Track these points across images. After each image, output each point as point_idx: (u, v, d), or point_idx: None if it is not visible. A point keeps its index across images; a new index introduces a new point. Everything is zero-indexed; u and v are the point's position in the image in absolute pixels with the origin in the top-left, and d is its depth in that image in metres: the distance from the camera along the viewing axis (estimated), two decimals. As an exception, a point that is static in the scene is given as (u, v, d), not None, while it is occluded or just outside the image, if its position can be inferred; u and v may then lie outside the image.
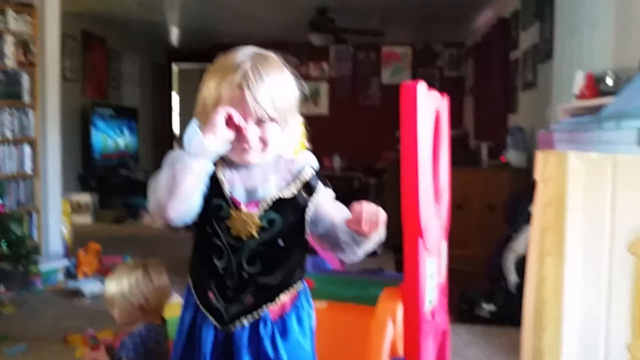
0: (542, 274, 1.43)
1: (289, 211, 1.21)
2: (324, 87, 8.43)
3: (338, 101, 8.36)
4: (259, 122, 1.17)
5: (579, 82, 3.04)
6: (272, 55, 1.22)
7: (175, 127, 9.58)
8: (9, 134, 4.18)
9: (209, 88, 1.18)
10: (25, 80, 4.28)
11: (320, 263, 2.38)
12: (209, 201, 1.20)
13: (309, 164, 1.27)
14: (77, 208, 6.61)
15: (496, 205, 4.47)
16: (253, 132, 1.16)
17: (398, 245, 1.67)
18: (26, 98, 4.29)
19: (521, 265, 3.03)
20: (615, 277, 1.44)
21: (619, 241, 1.42)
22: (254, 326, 1.21)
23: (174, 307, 2.87)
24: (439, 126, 1.96)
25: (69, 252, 4.58)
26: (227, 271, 1.21)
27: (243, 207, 1.19)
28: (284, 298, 1.24)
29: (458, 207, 4.55)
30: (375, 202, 1.17)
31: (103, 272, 4.28)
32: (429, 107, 1.73)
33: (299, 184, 1.22)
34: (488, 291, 3.38)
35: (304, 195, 1.22)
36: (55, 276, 4.09)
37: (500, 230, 3.59)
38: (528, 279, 1.51)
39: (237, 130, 1.15)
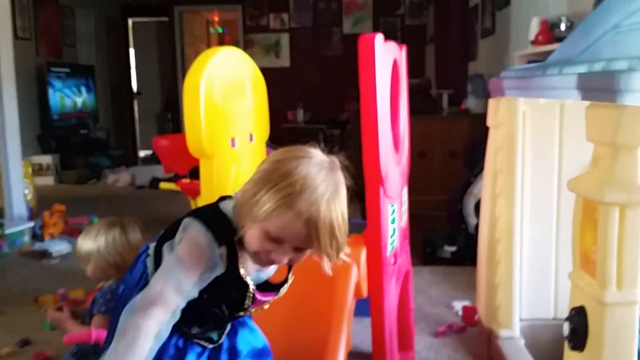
0: (495, 214, 1.51)
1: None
2: (285, 39, 8.35)
3: (300, 52, 8.29)
4: (296, 250, 1.05)
5: (534, 28, 3.10)
6: (342, 181, 1.10)
7: (133, 83, 9.40)
8: (-38, 97, 4.07)
9: (271, 195, 1.01)
10: (-25, 40, 4.15)
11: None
12: (223, 289, 1.11)
13: None
14: (38, 170, 6.52)
15: (457, 151, 4.59)
16: (287, 256, 1.07)
17: (362, 193, 1.73)
18: (-22, 59, 4.17)
19: (480, 207, 3.15)
20: (563, 215, 1.54)
21: (566, 180, 1.51)
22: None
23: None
24: (398, 76, 2.00)
25: (34, 214, 4.55)
26: (227, 316, 1.20)
27: (265, 305, 1.20)
28: None
29: (420, 155, 4.67)
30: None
31: (69, 233, 4.29)
32: (387, 58, 1.77)
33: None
34: (449, 234, 3.51)
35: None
36: (21, 239, 4.07)
37: (461, 175, 3.71)
38: (482, 219, 1.59)
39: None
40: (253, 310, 1.21)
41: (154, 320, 1.00)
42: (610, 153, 0.91)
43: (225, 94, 1.92)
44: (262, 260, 1.08)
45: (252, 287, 1.11)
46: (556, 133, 1.49)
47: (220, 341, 1.22)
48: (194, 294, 1.06)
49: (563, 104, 1.50)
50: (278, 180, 1.01)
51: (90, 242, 2.02)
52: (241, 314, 1.21)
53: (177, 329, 1.12)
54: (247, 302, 1.14)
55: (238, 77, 2.05)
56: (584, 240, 0.97)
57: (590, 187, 0.93)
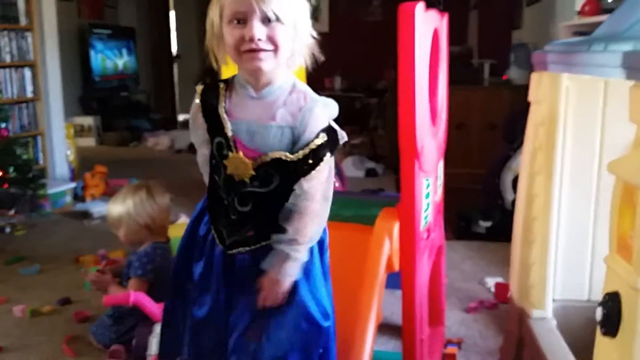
0: (532, 192, 1.48)
1: (288, 172, 1.19)
2: (324, 3, 8.23)
3: (339, 17, 8.17)
4: (265, 22, 1.13)
5: (581, -2, 2.99)
6: None
7: (174, 46, 9.44)
8: (7, 58, 4.16)
9: (213, 6, 1.18)
10: (20, 2, 4.20)
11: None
12: (212, 137, 1.23)
13: (325, 111, 1.22)
14: (80, 131, 6.65)
15: (497, 123, 4.49)
16: (259, 29, 1.13)
17: (398, 165, 1.71)
18: (23, 20, 4.24)
19: (517, 183, 3.09)
20: (602, 195, 1.50)
21: (608, 160, 1.46)
22: (255, 253, 1.25)
23: (180, 226, 2.97)
24: (438, 47, 1.96)
25: (75, 175, 4.66)
26: (229, 204, 1.24)
27: (241, 153, 1.19)
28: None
29: (458, 127, 4.59)
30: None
31: (110, 194, 4.37)
32: (427, 28, 1.72)
33: (307, 151, 1.18)
34: (485, 209, 3.47)
35: (309, 163, 1.18)
36: (63, 199, 4.19)
37: (500, 148, 3.64)
38: (519, 197, 1.56)
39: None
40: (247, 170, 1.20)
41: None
42: (655, 136, 0.88)
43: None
44: (245, 49, 1.13)
45: (229, 128, 1.19)
46: (599, 111, 1.44)
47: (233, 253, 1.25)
48: (199, 144, 1.28)
49: (608, 81, 1.44)
50: None
51: (120, 206, 2.07)
52: (228, 168, 1.21)
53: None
54: (229, 147, 1.19)
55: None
56: (622, 225, 0.94)
57: (630, 170, 0.90)
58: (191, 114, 1.28)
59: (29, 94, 4.33)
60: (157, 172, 5.26)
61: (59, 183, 4.32)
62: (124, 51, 7.76)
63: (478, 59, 5.73)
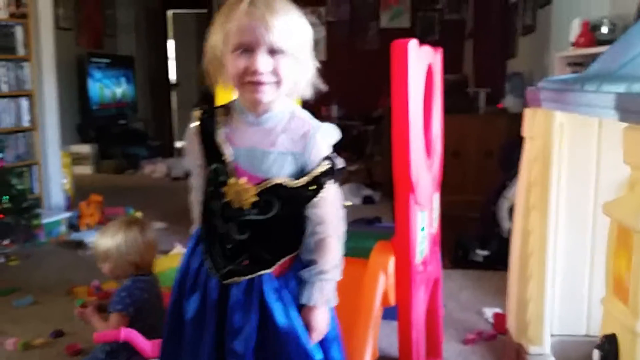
0: (528, 227, 1.48)
1: (290, 199, 1.18)
2: (321, 32, 8.31)
3: (336, 46, 8.24)
4: (271, 53, 1.11)
5: (575, 29, 3.01)
6: None
7: (172, 74, 9.49)
8: (5, 88, 4.17)
9: (216, 31, 1.15)
10: (18, 32, 4.23)
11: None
12: (209, 163, 1.21)
13: (327, 138, 1.20)
14: (77, 159, 6.64)
15: (493, 151, 4.50)
16: (265, 61, 1.11)
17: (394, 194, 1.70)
18: (20, 50, 4.26)
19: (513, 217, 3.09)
20: (598, 230, 1.49)
21: (603, 196, 1.46)
22: (250, 284, 1.21)
23: (175, 257, 2.95)
24: (432, 81, 1.97)
25: (71, 204, 4.64)
26: (224, 233, 1.21)
27: (242, 179, 1.17)
28: (281, 263, 1.23)
29: (455, 154, 4.60)
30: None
31: (105, 223, 4.36)
32: (421, 63, 1.73)
33: (309, 178, 1.17)
34: (482, 237, 3.45)
35: (313, 189, 1.18)
36: (58, 228, 4.16)
37: (496, 176, 3.64)
38: (514, 232, 1.56)
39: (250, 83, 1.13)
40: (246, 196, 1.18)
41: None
42: (649, 178, 0.87)
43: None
44: (248, 80, 1.12)
45: (228, 154, 1.17)
46: (594, 147, 1.44)
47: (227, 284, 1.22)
48: (193, 169, 1.27)
49: (602, 119, 1.45)
50: (215, 22, 1.16)
51: (109, 240, 2.04)
52: (227, 196, 1.18)
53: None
54: (227, 174, 1.17)
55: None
56: (618, 266, 0.93)
57: (625, 212, 0.89)
58: (187, 139, 1.26)
59: (26, 123, 4.34)
60: (154, 199, 5.23)
61: (54, 212, 4.30)
62: (123, 80, 7.79)
63: (474, 88, 5.76)
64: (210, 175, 1.21)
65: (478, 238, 3.47)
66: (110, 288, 2.92)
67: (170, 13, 9.62)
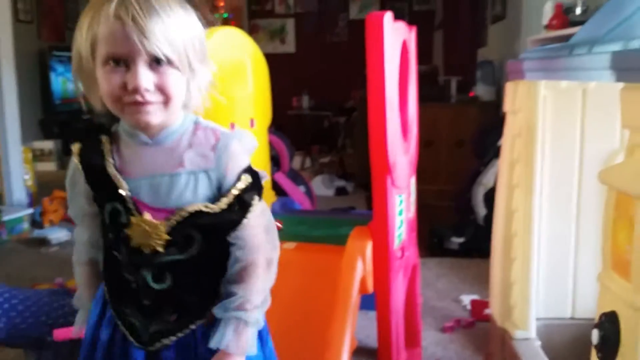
0: (511, 207, 1.42)
1: (213, 228, 0.96)
2: (290, 24, 8.21)
3: (305, 38, 8.15)
4: (153, 65, 0.88)
5: (547, 12, 2.98)
6: None
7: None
8: (-40, 80, 3.99)
9: (81, 33, 0.90)
10: (-27, 22, 4.06)
11: (289, 204, 2.35)
12: (102, 205, 0.97)
13: (243, 146, 0.98)
14: (40, 155, 6.44)
15: (465, 140, 4.48)
16: (146, 77, 0.87)
17: (369, 183, 1.64)
18: (-24, 42, 4.08)
19: (489, 198, 3.05)
20: (584, 208, 1.44)
21: (588, 171, 1.41)
22: (182, 342, 0.99)
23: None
24: (407, 59, 1.90)
25: (34, 200, 4.48)
26: (139, 286, 0.97)
27: (146, 215, 0.93)
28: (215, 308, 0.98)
29: (427, 144, 4.56)
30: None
31: (69, 220, 4.21)
32: (396, 38, 1.66)
33: (230, 197, 0.94)
34: (457, 225, 3.42)
35: (236, 210, 0.95)
36: (20, 225, 4.00)
37: (469, 165, 3.60)
38: (497, 212, 1.49)
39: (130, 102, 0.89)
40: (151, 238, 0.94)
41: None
42: (649, 141, 0.81)
43: (224, 77, 1.81)
44: (128, 101, 0.89)
45: (124, 187, 0.93)
46: (578, 119, 1.39)
47: (155, 349, 0.98)
48: (80, 218, 1.05)
49: (586, 88, 1.39)
50: (80, 20, 0.92)
51: None
52: (129, 235, 0.94)
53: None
54: (128, 212, 0.93)
55: (238, 59, 1.94)
56: (617, 239, 0.87)
57: (625, 179, 0.83)
58: (68, 180, 1.02)
59: (-16, 117, 4.16)
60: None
61: (16, 209, 4.13)
62: (86, 73, 7.59)
63: (444, 76, 5.74)
64: (107, 219, 0.97)
65: (453, 226, 3.44)
66: (74, 285, 2.81)
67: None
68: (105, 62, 0.88)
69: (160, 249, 0.94)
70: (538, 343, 1.42)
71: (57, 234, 3.78)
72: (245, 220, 0.96)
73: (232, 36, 1.94)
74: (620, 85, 0.88)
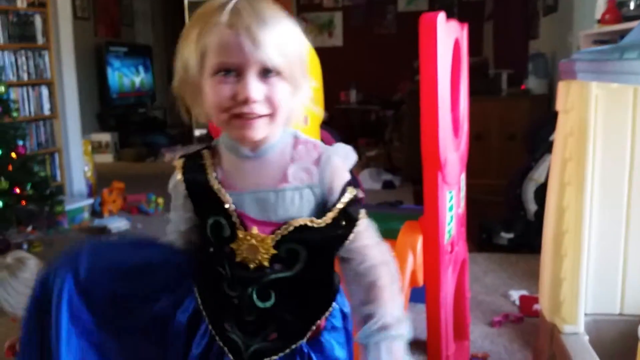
0: (563, 204, 1.44)
1: (319, 244, 0.94)
2: (338, 17, 8.24)
3: (353, 31, 8.17)
4: (262, 75, 0.87)
5: (600, 7, 2.94)
6: None
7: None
8: (25, 77, 4.19)
9: (189, 45, 0.89)
10: (37, 21, 4.25)
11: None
12: (204, 218, 0.96)
13: (344, 161, 0.98)
14: (98, 148, 6.69)
15: (516, 134, 4.44)
16: (256, 87, 0.86)
17: (417, 177, 1.68)
18: (40, 39, 4.27)
19: (540, 193, 3.04)
20: (634, 206, 1.45)
21: (638, 171, 1.41)
22: None
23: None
24: (459, 57, 1.92)
25: (93, 191, 4.68)
26: (242, 302, 0.95)
27: (254, 229, 0.93)
28: (316, 325, 0.99)
29: (477, 137, 4.54)
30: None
31: (128, 210, 4.39)
32: (448, 38, 1.69)
33: (335, 212, 0.93)
34: (507, 220, 3.41)
35: (342, 225, 0.94)
36: (81, 215, 4.19)
37: (520, 159, 3.59)
38: (548, 209, 1.52)
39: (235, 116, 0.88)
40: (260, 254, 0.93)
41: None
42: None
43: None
44: (236, 112, 0.88)
45: (229, 202, 0.93)
46: (629, 120, 1.39)
47: None
48: (178, 220, 1.03)
49: (637, 87, 1.40)
50: (187, 32, 0.90)
51: None
52: (236, 252, 0.94)
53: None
54: (233, 226, 0.92)
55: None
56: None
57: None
58: (172, 193, 1.02)
59: (47, 111, 4.36)
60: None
61: (77, 199, 4.33)
62: (141, 68, 7.82)
63: (495, 69, 5.68)
64: (209, 232, 0.96)
65: (502, 221, 3.43)
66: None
67: (187, 1, 9.61)
68: (215, 72, 0.87)
69: (266, 264, 0.93)
70: (586, 338, 1.44)
71: (116, 223, 3.95)
72: (352, 235, 0.95)
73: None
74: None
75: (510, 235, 3.34)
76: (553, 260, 1.47)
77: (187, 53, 0.89)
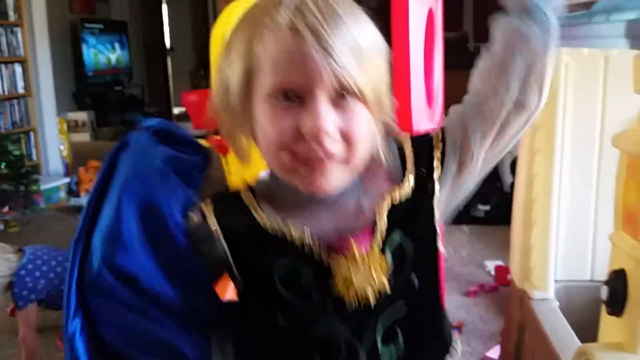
0: (532, 172, 1.45)
1: (413, 220, 0.70)
2: None
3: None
4: (336, 100, 0.62)
5: (577, -24, 2.95)
6: None
7: (167, 40, 9.37)
8: (-3, 54, 4.12)
9: (233, 58, 0.65)
10: (8, -4, 4.16)
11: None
12: (261, 281, 0.68)
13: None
14: (74, 127, 6.60)
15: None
16: (330, 117, 0.61)
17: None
18: (12, 16, 4.19)
19: (516, 165, 3.07)
20: (604, 173, 1.47)
21: (609, 137, 1.43)
22: None
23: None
24: (432, 27, 1.91)
25: (69, 170, 4.62)
26: (356, 356, 0.68)
27: (355, 247, 0.66)
28: None
29: (455, 112, 4.55)
30: None
31: (105, 189, 4.35)
32: (421, 7, 1.68)
33: (410, 167, 0.71)
34: (483, 192, 3.44)
35: (423, 176, 0.71)
36: (57, 194, 4.15)
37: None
38: (518, 177, 1.53)
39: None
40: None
41: None
42: (660, 106, 0.84)
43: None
44: (302, 152, 0.63)
45: (298, 230, 0.66)
46: (600, 87, 1.41)
47: None
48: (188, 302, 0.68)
49: (608, 55, 1.41)
50: (231, 37, 0.67)
51: None
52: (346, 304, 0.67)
53: None
54: (313, 251, 0.66)
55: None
56: (628, 200, 0.91)
57: (635, 142, 0.86)
58: (196, 245, 0.69)
59: (20, 89, 4.29)
60: (153, 165, 5.21)
61: (53, 179, 4.29)
62: (117, 45, 7.69)
63: (474, 43, 5.68)
64: (281, 289, 0.67)
65: (479, 194, 3.46)
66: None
67: (163, -24, 9.45)
68: (270, 95, 0.62)
69: (388, 290, 0.68)
70: (556, 304, 1.46)
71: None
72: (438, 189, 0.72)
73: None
74: (635, 52, 0.91)
75: (487, 207, 3.37)
76: (523, 228, 1.48)
77: (229, 70, 0.65)
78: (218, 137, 2.51)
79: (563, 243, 1.50)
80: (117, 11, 8.15)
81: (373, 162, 0.70)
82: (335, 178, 0.65)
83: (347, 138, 0.63)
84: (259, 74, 0.63)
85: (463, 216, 3.40)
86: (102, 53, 7.32)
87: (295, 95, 0.62)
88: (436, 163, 0.71)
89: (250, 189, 0.72)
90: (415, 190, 0.70)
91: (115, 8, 8.13)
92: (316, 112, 0.61)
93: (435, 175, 0.71)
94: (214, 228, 0.69)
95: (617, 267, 0.92)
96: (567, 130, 1.43)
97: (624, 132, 0.92)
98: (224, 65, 0.66)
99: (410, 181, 0.70)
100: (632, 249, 0.88)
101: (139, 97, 8.00)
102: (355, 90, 0.61)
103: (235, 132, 0.69)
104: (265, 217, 0.68)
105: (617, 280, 0.91)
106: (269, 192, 0.71)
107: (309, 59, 0.59)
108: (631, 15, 0.93)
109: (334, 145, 0.62)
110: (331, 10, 0.61)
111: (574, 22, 1.22)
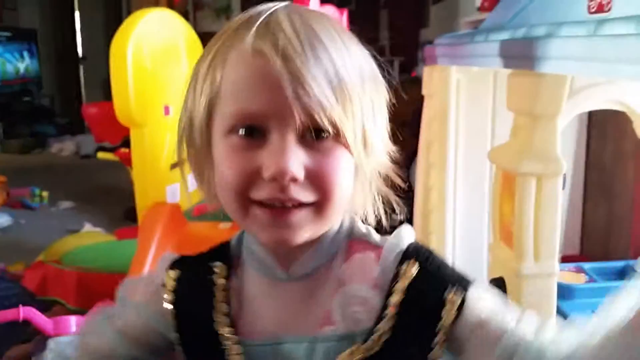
0: (429, 184, 1.50)
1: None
2: (236, 2, 8.15)
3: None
4: (307, 139, 0.52)
5: (480, -5, 3.08)
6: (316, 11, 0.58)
7: (79, 48, 9.07)
8: None
9: (197, 84, 0.56)
10: None
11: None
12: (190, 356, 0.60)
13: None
14: (-21, 139, 6.28)
15: (407, 120, 4.58)
16: (297, 157, 0.51)
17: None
18: None
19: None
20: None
21: (498, 150, 1.50)
22: None
23: (86, 235, 2.84)
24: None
25: (-28, 185, 4.38)
26: None
27: None
28: None
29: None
30: None
31: (11, 205, 4.14)
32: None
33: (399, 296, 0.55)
34: (397, 202, 3.52)
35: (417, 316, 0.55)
36: (-43, 211, 3.92)
37: (410, 144, 3.70)
38: (417, 189, 1.58)
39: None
40: None
41: None
42: (529, 123, 0.89)
43: (157, 59, 1.85)
44: (261, 199, 0.52)
45: (233, 349, 0.57)
46: (489, 102, 1.48)
47: None
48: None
49: (496, 72, 1.48)
50: (198, 64, 0.57)
51: None
52: None
53: None
54: None
55: (171, 41, 1.97)
56: (503, 212, 0.96)
57: (508, 157, 0.91)
58: (135, 306, 0.63)
59: None
60: (62, 178, 5.02)
61: (-47, 194, 4.04)
62: (26, 54, 7.38)
63: (390, 57, 5.83)
64: None
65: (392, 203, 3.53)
66: (17, 270, 2.79)
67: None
68: (230, 129, 0.53)
69: None
70: (454, 311, 1.51)
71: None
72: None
73: (163, 18, 1.97)
74: (510, 71, 0.96)
75: (401, 217, 3.45)
76: (421, 238, 1.53)
77: (194, 100, 0.56)
78: (126, 150, 2.45)
79: (460, 253, 1.55)
80: (26, 19, 7.82)
81: (354, 243, 0.60)
82: (303, 229, 0.53)
83: (318, 182, 0.52)
84: (219, 102, 0.53)
85: (379, 226, 3.46)
86: (9, 62, 7.01)
87: (258, 130, 0.51)
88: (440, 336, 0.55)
89: (224, 251, 0.62)
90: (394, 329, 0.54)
91: (23, 16, 7.80)
92: (280, 150, 0.50)
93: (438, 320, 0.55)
94: (168, 299, 0.60)
95: (496, 275, 0.97)
96: (460, 145, 1.49)
97: (498, 147, 0.97)
98: (189, 94, 0.57)
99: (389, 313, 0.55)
100: (508, 259, 0.93)
101: (49, 108, 7.71)
102: (328, 126, 0.50)
103: (203, 173, 0.58)
104: (222, 317, 0.57)
105: (497, 288, 0.95)
106: (241, 255, 0.61)
107: (274, 85, 0.49)
108: (505, 35, 0.98)
109: (300, 191, 0.51)
110: (309, 31, 0.51)
111: (459, 41, 1.28)
